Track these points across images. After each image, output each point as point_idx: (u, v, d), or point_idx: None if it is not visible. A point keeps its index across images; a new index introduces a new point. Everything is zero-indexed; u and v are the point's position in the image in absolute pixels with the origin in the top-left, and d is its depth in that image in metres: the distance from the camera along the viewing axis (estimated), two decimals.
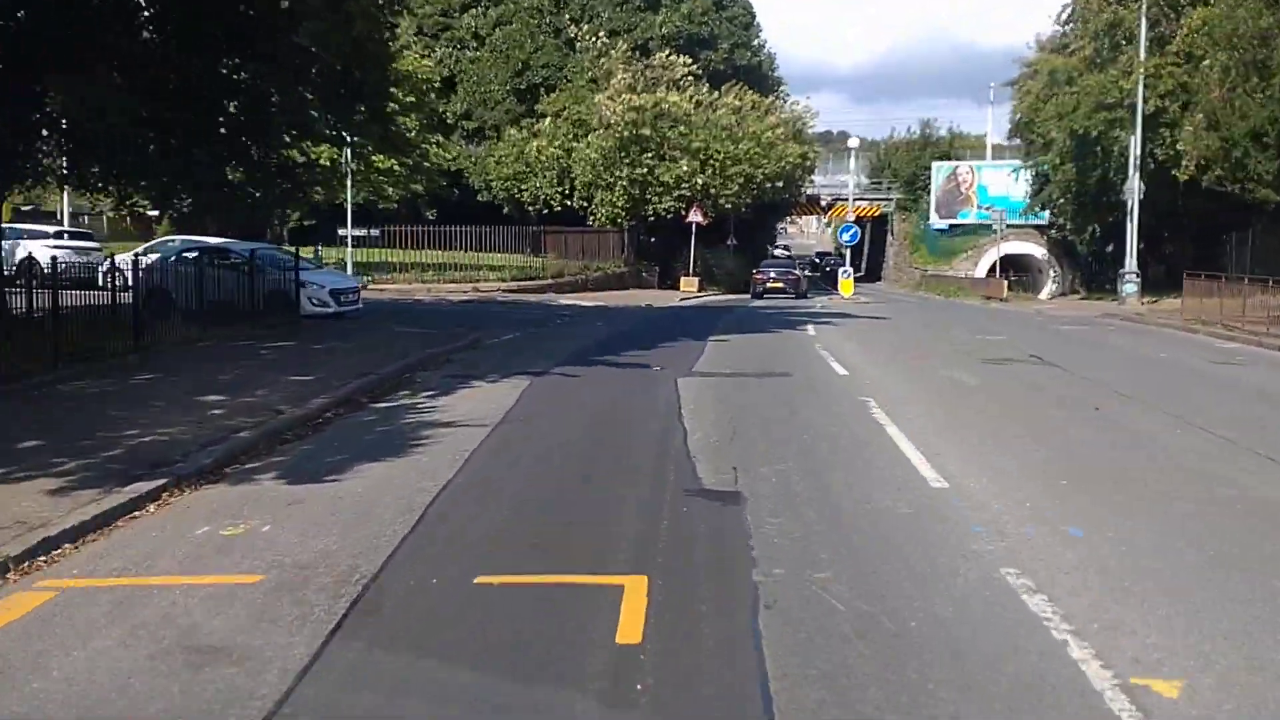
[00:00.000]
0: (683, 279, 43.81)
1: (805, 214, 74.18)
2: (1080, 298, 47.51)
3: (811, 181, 64.87)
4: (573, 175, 43.21)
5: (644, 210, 42.65)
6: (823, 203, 70.58)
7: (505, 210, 46.82)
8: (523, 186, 44.75)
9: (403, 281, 30.96)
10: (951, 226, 62.06)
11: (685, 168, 41.39)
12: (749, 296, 43.36)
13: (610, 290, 39.22)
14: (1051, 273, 56.88)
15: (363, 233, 32.65)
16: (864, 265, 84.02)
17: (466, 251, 34.48)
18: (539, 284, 33.12)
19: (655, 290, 42.55)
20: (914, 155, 67.45)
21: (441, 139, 37.03)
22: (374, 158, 31.79)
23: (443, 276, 31.56)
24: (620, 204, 42.03)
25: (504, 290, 31.58)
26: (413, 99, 33.14)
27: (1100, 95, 33.53)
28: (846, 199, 71.71)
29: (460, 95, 55.71)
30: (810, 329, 21.00)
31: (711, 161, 42.39)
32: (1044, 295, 52.56)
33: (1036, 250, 57.21)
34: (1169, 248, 40.15)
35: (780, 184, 44.83)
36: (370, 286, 30.42)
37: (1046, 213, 53.97)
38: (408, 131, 33.11)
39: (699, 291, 43.00)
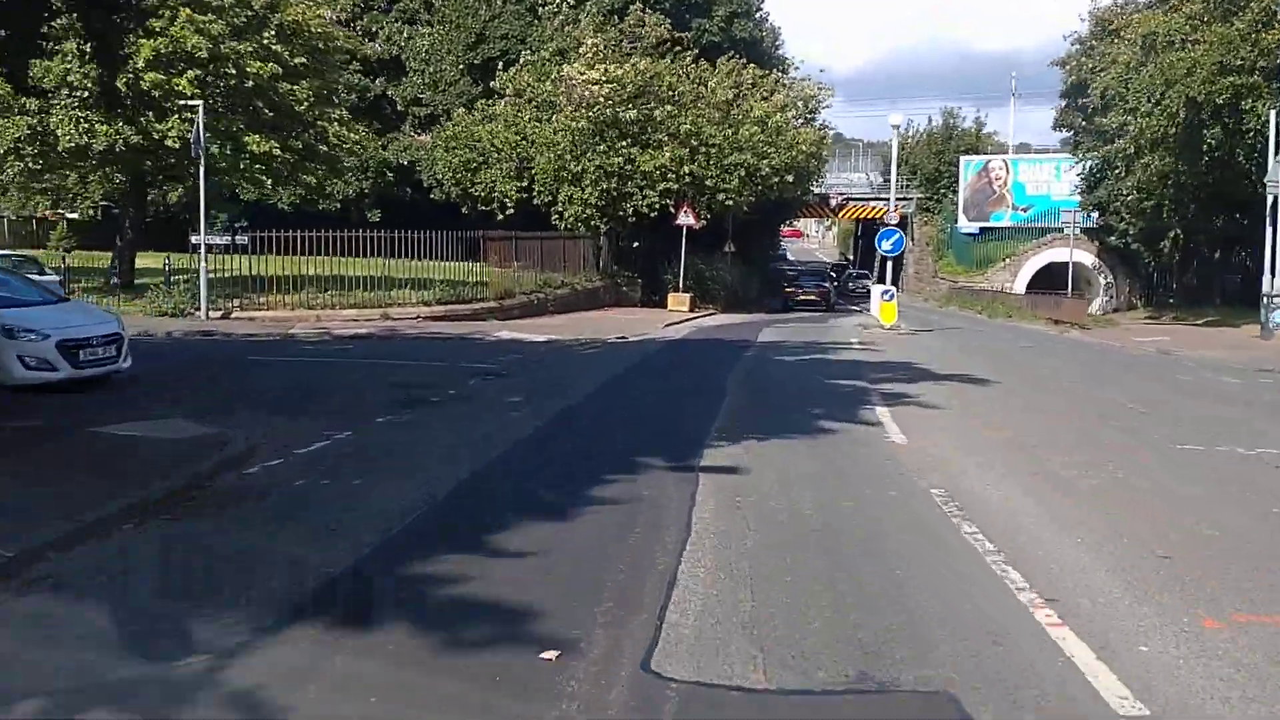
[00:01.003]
0: (671, 296, 35.48)
1: (812, 216, 65.71)
2: (1149, 316, 39.33)
3: (820, 180, 56.72)
4: (533, 166, 34.86)
5: (623, 209, 34.33)
6: (832, 203, 62.33)
7: (464, 210, 38.47)
8: (476, 180, 36.37)
9: (285, 307, 22.55)
10: (983, 230, 53.82)
11: (670, 155, 33.06)
12: (755, 316, 35.10)
13: (579, 311, 30.91)
14: (1103, 283, 48.64)
15: (223, 240, 24.24)
16: (876, 273, 75.89)
17: (399, 260, 26.09)
18: (477, 307, 24.79)
19: (637, 310, 34.22)
20: (936, 149, 59.19)
21: (344, 117, 28.39)
22: (246, 138, 23.40)
23: (344, 299, 23.16)
24: (592, 201, 33.68)
25: (426, 317, 23.25)
26: (304, 61, 24.68)
27: (1225, 54, 25.28)
28: (862, 199, 63.57)
29: (410, 78, 47.43)
30: (882, 414, 11.62)
31: (705, 149, 34.07)
32: (1094, 309, 44.29)
33: (1085, 257, 48.93)
34: None
35: (790, 177, 36.45)
36: (235, 314, 22.03)
37: (1094, 215, 46.07)
38: (296, 103, 24.71)
39: (691, 311, 34.70)
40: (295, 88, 24.21)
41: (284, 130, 24.70)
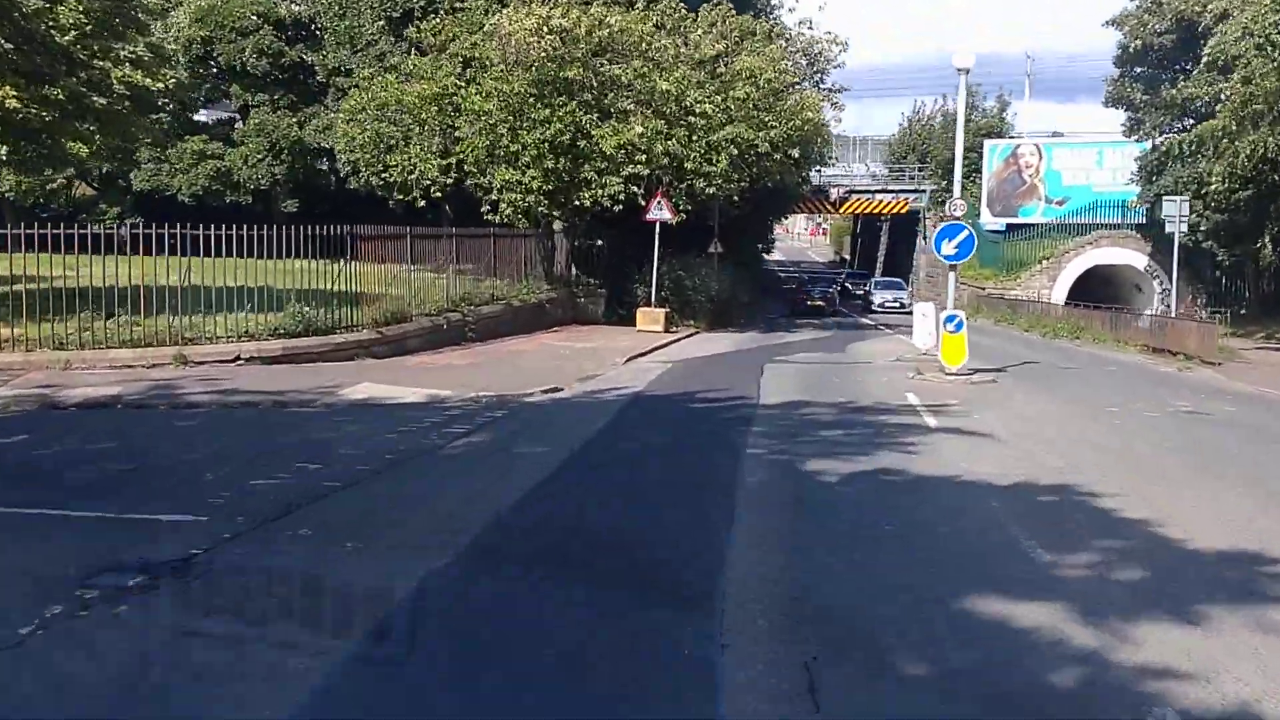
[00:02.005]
0: (641, 312, 27.42)
1: (809, 210, 57.70)
2: (1228, 330, 31.50)
3: (830, 157, 48.86)
4: (459, 139, 26.75)
5: (578, 198, 26.30)
6: (832, 196, 54.43)
7: (391, 201, 30.34)
8: (390, 162, 28.22)
9: (19, 347, 14.28)
10: (1010, 228, 45.94)
11: (640, 128, 24.99)
12: (747, 337, 27.09)
13: (515, 336, 22.84)
14: (1157, 290, 40.77)
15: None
16: (879, 275, 68.14)
17: (250, 260, 17.59)
18: (341, 340, 16.60)
19: (596, 331, 26.18)
20: (953, 133, 51.18)
21: (143, 56, 19.49)
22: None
23: (125, 332, 14.94)
24: (535, 188, 25.59)
25: (251, 357, 15.09)
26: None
27: None
28: (865, 191, 55.64)
29: (328, 40, 39.17)
30: None
31: (685, 120, 26.01)
32: (1143, 323, 36.41)
33: (1136, 258, 41.15)
34: None
35: (795, 152, 28.38)
36: None
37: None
38: (58, 32, 16.41)
39: (666, 330, 26.66)
40: (57, 8, 15.94)
41: (35, 72, 16.39)
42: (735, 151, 26.81)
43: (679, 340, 25.67)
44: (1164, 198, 29.72)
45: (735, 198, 28.71)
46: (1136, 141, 38.53)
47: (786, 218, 72.28)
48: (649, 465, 9.23)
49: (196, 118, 45.76)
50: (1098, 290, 40.86)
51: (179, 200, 42.06)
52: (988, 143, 47.88)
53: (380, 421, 11.22)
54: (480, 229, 24.52)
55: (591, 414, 12.45)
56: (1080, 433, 11.62)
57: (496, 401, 13.44)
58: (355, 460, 8.86)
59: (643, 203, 26.65)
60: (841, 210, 55.10)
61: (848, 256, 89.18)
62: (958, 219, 17.87)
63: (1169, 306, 40.23)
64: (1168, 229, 28.85)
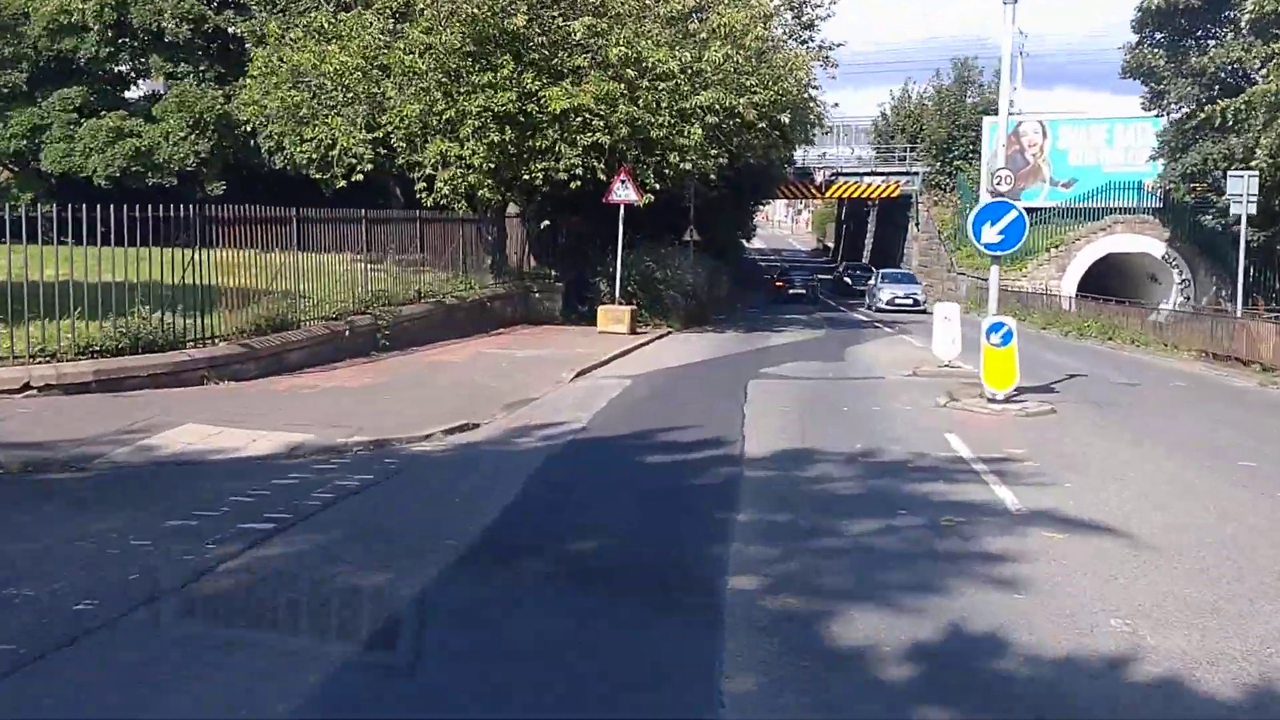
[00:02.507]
0: (603, 311, 23.40)
1: (792, 195, 53.69)
2: None
3: (803, 150, 44.93)
4: (386, 107, 22.60)
5: (529, 173, 22.29)
6: (817, 180, 50.53)
7: (324, 181, 26.10)
8: (306, 134, 24.05)
9: None
10: None
11: (595, 88, 20.96)
12: (726, 339, 23.15)
13: (445, 342, 18.77)
14: (1176, 281, 37.12)
15: None
16: (867, 259, 64.34)
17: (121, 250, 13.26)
18: (183, 357, 12.43)
19: (550, 335, 22.16)
20: (949, 110, 47.42)
21: None
22: None
23: None
24: (477, 163, 21.52)
25: (50, 385, 10.97)
26: None
27: None
28: (853, 174, 51.73)
29: (255, 8, 34.71)
30: None
31: (651, 83, 21.94)
32: (1160, 316, 32.78)
33: (1153, 246, 37.43)
34: None
35: (784, 120, 24.27)
36: None
37: (1156, 193, 34.95)
38: None
39: (632, 332, 22.70)
40: None
41: None
42: (713, 121, 22.78)
43: (646, 344, 21.66)
44: (1229, 174, 25.79)
45: (712, 176, 24.62)
46: (1156, 116, 34.71)
47: (768, 203, 68.46)
48: (544, 641, 5.13)
49: (127, 94, 41.45)
50: (1109, 281, 37.21)
51: (95, 183, 37.64)
52: (987, 120, 43.83)
53: (154, 505, 7.14)
54: (405, 212, 20.35)
55: (494, 481, 8.44)
56: (1265, 520, 7.60)
57: (369, 453, 9.40)
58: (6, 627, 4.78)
59: (606, 180, 22.60)
60: (827, 194, 51.23)
61: (831, 245, 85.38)
62: (1003, 196, 13.81)
63: (1188, 298, 36.61)
64: (1233, 210, 24.91)
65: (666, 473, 9.26)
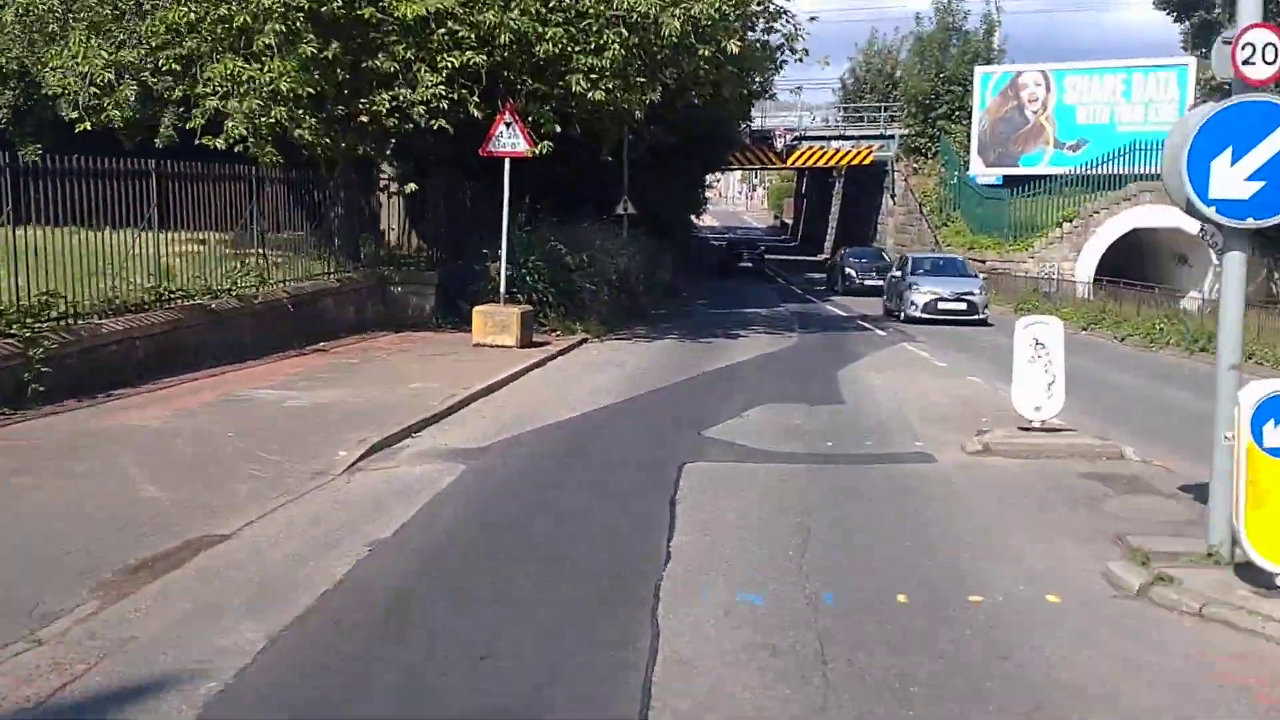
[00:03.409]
0: (480, 315, 16.00)
1: (748, 164, 46.31)
2: None
3: (762, 100, 37.80)
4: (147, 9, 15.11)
5: (371, 106, 14.96)
6: (777, 145, 43.44)
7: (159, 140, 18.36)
8: (50, 58, 16.50)
9: None
10: (1009, 182, 35.30)
11: None
12: (663, 348, 15.79)
13: (196, 374, 11.39)
14: (1214, 260, 30.41)
15: None
16: (829, 244, 57.47)
17: None
18: None
19: (398, 350, 14.79)
20: (932, 61, 40.41)
21: None
22: None
23: None
24: (287, 90, 14.14)
25: None
26: None
27: None
28: (819, 138, 44.66)
29: None
30: None
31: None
32: (1192, 303, 26.24)
33: (1186, 220, 30.68)
34: None
35: (733, 49, 16.69)
36: None
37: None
38: None
39: (524, 345, 15.51)
40: None
41: None
42: (633, 40, 15.50)
43: (539, 365, 14.41)
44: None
45: (638, 114, 17.37)
46: (1202, 55, 27.98)
47: (721, 173, 61.51)
48: None
49: None
50: (1127, 264, 30.59)
51: None
52: (979, 70, 37.16)
53: None
54: (138, 164, 12.77)
55: None
56: None
57: None
58: None
59: (478, 118, 15.33)
60: (789, 161, 44.05)
61: (790, 221, 78.45)
62: (1261, 87, 6.42)
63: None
64: None
65: None
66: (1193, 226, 26.48)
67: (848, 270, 33.75)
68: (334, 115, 15.58)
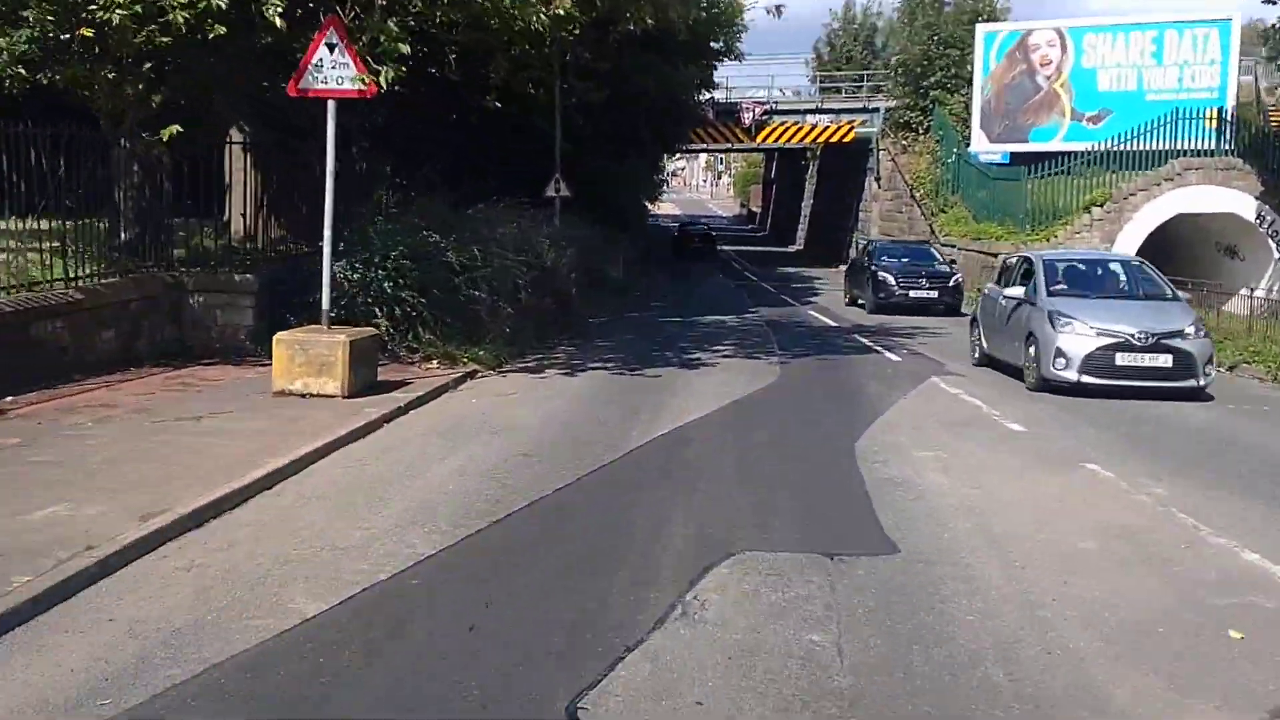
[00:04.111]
0: (286, 344, 10.12)
1: (707, 139, 40.26)
2: None
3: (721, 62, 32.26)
4: None
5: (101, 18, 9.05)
6: (744, 119, 37.90)
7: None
8: None
9: None
10: (1017, 160, 29.87)
11: None
12: (581, 398, 9.96)
13: None
14: (1276, 252, 25.24)
15: None
16: (802, 234, 52.21)
17: None
18: None
19: (152, 410, 8.79)
20: (926, 23, 34.90)
21: None
22: None
23: None
24: None
25: None
26: None
27: None
28: (792, 111, 39.09)
29: None
30: None
31: None
32: (1241, 303, 20.98)
33: (1241, 203, 25.42)
34: None
35: None
36: None
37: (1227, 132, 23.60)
38: None
39: (363, 392, 9.65)
40: None
41: None
42: None
43: (359, 436, 8.62)
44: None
45: (543, 30, 11.66)
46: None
47: (686, 158, 55.99)
48: None
49: None
50: (1163, 256, 25.31)
51: None
52: (981, 29, 31.72)
53: None
54: None
55: None
56: None
57: None
58: None
59: (280, 25, 9.56)
60: (759, 139, 38.27)
61: (758, 209, 72.90)
62: None
63: None
64: None
65: None
66: (1248, 211, 19.55)
67: (882, 276, 22.91)
68: (47, 36, 9.75)
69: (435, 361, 12.56)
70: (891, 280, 22.59)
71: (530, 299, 16.94)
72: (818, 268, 39.65)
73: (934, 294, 22.43)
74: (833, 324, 19.87)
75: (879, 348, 15.91)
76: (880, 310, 21.95)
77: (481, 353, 13.09)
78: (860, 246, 28.15)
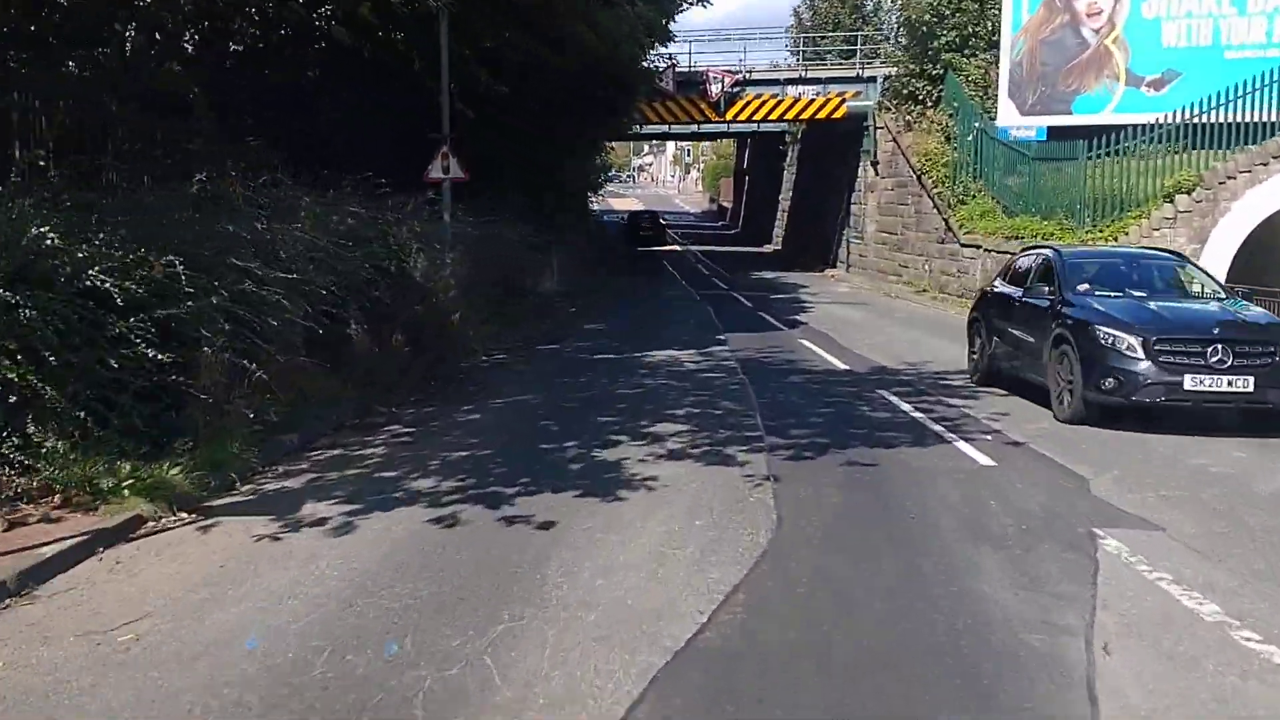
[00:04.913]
0: None
1: (662, 116, 32.87)
2: None
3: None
4: None
5: None
6: (711, 91, 31.35)
7: None
8: None
9: None
10: (1054, 134, 23.41)
11: None
12: None
13: None
14: None
15: None
16: (779, 233, 45.78)
17: None
18: None
19: None
20: None
21: None
22: None
23: None
24: None
25: None
26: None
27: None
28: (769, 82, 32.54)
29: None
30: None
31: None
32: None
33: None
34: None
35: None
36: None
37: None
38: None
39: None
40: None
41: None
42: None
43: None
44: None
45: None
46: None
47: (654, 149, 49.61)
48: None
49: None
50: (1252, 261, 19.09)
51: None
52: None
53: None
54: None
55: None
56: None
57: None
58: None
59: None
60: (728, 114, 31.43)
61: (729, 205, 66.25)
62: None
63: None
64: None
65: None
66: None
67: (1111, 338, 9.28)
68: None
69: (57, 498, 5.97)
70: (1139, 351, 9.20)
71: (361, 336, 10.50)
72: (799, 272, 33.20)
73: (1247, 385, 8.95)
74: (841, 367, 13.21)
75: (937, 425, 9.21)
76: (1108, 415, 9.28)
77: (174, 472, 6.45)
78: (1015, 267, 12.06)
